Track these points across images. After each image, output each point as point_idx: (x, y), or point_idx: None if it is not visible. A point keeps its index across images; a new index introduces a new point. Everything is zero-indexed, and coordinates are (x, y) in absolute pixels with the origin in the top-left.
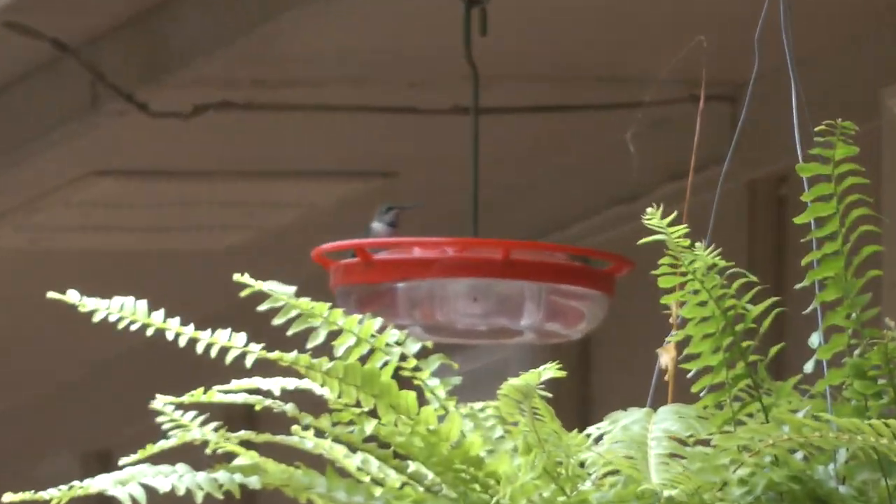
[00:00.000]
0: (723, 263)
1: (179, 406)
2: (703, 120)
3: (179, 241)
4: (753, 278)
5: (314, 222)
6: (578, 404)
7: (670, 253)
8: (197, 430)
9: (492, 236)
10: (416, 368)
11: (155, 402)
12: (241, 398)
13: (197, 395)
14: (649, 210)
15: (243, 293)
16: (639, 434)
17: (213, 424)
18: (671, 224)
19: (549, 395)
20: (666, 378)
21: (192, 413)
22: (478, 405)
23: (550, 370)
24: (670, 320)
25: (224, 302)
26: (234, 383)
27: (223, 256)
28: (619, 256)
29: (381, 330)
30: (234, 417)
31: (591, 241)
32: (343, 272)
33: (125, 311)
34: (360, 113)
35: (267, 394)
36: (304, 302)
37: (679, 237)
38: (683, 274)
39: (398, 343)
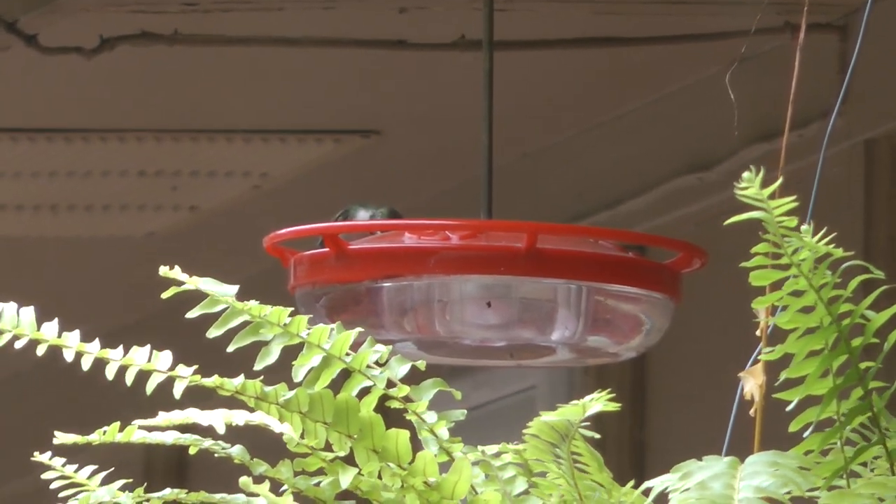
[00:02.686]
0: (839, 253)
1: (80, 451)
2: (805, 57)
3: (82, 225)
4: (879, 273)
5: (267, 199)
6: (630, 448)
7: (769, 238)
8: (104, 491)
9: (512, 217)
10: (409, 399)
11: (57, 439)
12: (171, 437)
13: (111, 432)
14: (746, 175)
15: (167, 293)
16: (721, 495)
17: (123, 482)
18: (772, 196)
19: (597, 436)
20: (751, 412)
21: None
22: (491, 448)
23: (600, 402)
24: (757, 332)
25: (143, 308)
26: (162, 417)
27: (142, 246)
28: (687, 245)
29: (360, 345)
30: (155, 468)
31: (648, 224)
32: (307, 267)
33: (4, 320)
34: (331, 48)
35: (207, 432)
36: (253, 306)
37: (783, 215)
38: (784, 267)
39: (379, 364)
